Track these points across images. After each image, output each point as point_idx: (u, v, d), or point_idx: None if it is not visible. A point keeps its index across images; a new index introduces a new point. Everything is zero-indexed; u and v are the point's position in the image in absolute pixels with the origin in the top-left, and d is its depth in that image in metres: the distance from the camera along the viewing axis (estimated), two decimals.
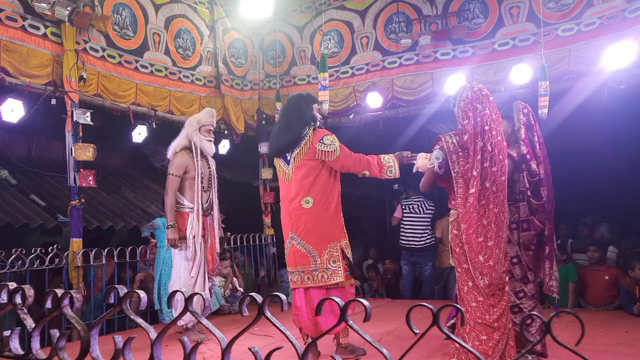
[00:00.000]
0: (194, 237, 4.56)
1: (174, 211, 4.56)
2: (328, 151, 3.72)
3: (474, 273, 3.15)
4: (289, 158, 3.82)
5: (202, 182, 4.67)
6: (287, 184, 3.83)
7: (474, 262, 3.13)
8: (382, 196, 9.34)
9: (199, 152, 4.64)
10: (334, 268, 3.73)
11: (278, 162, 3.92)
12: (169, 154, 4.72)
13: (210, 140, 4.75)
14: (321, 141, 3.73)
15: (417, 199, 6.93)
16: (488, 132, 3.15)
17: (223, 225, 5.14)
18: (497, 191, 3.14)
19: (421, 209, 6.88)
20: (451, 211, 3.36)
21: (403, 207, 6.97)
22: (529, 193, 3.39)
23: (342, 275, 3.74)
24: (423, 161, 3.57)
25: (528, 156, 3.40)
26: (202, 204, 4.63)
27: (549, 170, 3.53)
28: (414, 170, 3.67)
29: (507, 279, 3.24)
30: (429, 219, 6.86)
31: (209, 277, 4.72)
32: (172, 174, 4.59)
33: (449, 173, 3.29)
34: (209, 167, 4.78)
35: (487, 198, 3.12)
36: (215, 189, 4.84)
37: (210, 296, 4.73)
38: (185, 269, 4.56)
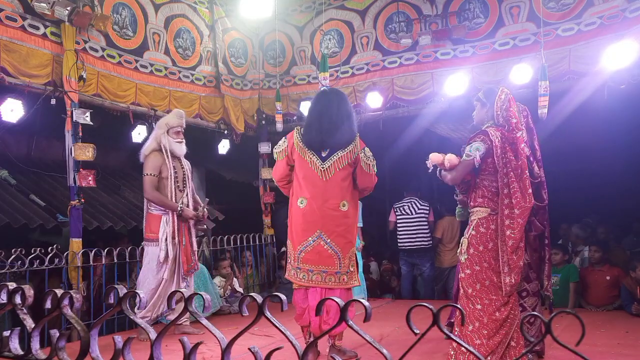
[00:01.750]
0: (166, 239, 4.57)
1: (167, 199, 4.60)
2: (368, 164, 3.80)
3: (503, 269, 3.19)
4: (324, 155, 3.77)
5: (177, 183, 4.71)
6: (322, 182, 3.75)
7: (510, 259, 3.19)
8: (382, 196, 9.35)
9: (169, 154, 4.67)
10: (352, 271, 3.81)
11: (308, 155, 3.79)
12: (142, 156, 4.74)
13: (179, 142, 4.76)
14: (364, 152, 3.80)
15: (408, 200, 6.97)
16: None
17: (206, 206, 5.05)
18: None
19: (412, 210, 6.90)
20: (477, 208, 3.35)
21: (395, 210, 7.04)
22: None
23: (358, 279, 3.87)
24: (451, 157, 3.44)
25: (531, 158, 3.41)
26: None
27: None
28: (430, 168, 3.54)
29: None
30: (422, 219, 6.85)
31: (183, 278, 4.70)
32: (149, 174, 4.61)
33: (479, 167, 3.29)
34: (183, 168, 4.81)
35: None
36: (190, 188, 4.86)
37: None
38: (154, 270, 4.57)
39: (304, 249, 3.80)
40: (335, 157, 3.76)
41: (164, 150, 4.67)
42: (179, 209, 4.61)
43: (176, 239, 4.62)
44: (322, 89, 4.35)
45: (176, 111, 4.96)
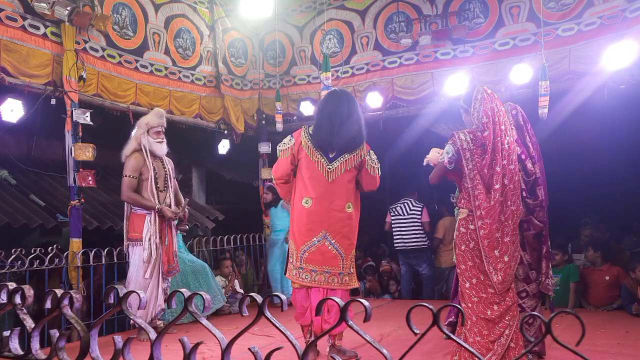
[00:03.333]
0: (149, 239, 4.55)
1: (144, 199, 4.57)
2: (374, 167, 3.88)
3: (488, 268, 3.21)
4: (331, 156, 3.79)
5: (157, 183, 4.68)
6: (328, 182, 3.77)
7: (490, 257, 3.20)
8: (381, 197, 9.34)
9: (149, 154, 4.64)
10: (353, 272, 3.86)
11: (315, 155, 3.79)
12: (123, 156, 4.71)
13: (160, 142, 4.72)
14: (370, 155, 3.87)
15: (403, 201, 7.02)
16: (504, 132, 3.27)
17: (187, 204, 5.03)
18: (513, 189, 3.24)
19: (405, 211, 6.93)
20: (460, 209, 3.40)
21: (390, 212, 7.10)
22: (524, 194, 3.40)
23: (357, 281, 3.92)
24: (434, 154, 3.56)
25: (523, 156, 3.41)
26: None
27: (543, 170, 3.53)
28: (424, 163, 3.64)
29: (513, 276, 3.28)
30: (415, 220, 6.87)
31: (164, 278, 4.70)
32: (128, 176, 4.58)
33: (459, 169, 3.31)
34: (164, 167, 4.79)
35: (505, 195, 3.21)
36: (172, 188, 4.84)
37: (165, 297, 4.66)
38: (140, 271, 4.56)
39: (308, 249, 3.80)
40: (342, 159, 3.79)
41: (144, 151, 4.63)
42: (157, 207, 4.58)
43: (158, 239, 4.60)
44: (332, 89, 4.32)
45: (157, 110, 4.92)
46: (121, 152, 4.79)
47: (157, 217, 4.60)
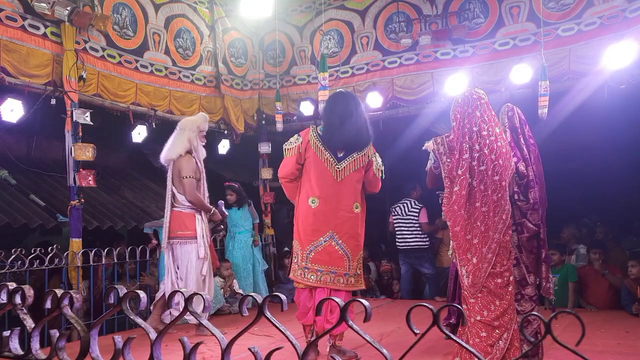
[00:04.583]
0: (203, 236, 4.66)
1: (204, 201, 4.74)
2: (379, 169, 3.92)
3: (460, 271, 3.25)
4: (340, 156, 3.80)
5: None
6: (336, 182, 3.78)
7: (461, 259, 3.23)
8: (382, 196, 9.34)
9: (199, 156, 4.77)
10: (360, 273, 3.85)
11: (324, 154, 3.79)
12: (172, 154, 4.69)
13: (203, 145, 4.89)
14: (375, 157, 3.92)
15: (402, 202, 7.04)
16: (477, 133, 3.26)
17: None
18: (484, 190, 3.20)
19: (404, 212, 6.96)
20: None
21: (391, 212, 7.14)
22: (517, 196, 3.38)
23: (364, 282, 3.93)
24: (432, 142, 3.57)
25: (515, 158, 3.39)
26: None
27: (541, 171, 3.49)
28: (423, 148, 3.65)
29: (511, 279, 3.24)
30: (414, 221, 6.88)
31: (213, 274, 4.86)
32: (191, 177, 4.65)
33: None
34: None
35: (474, 196, 3.20)
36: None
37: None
38: (197, 268, 4.63)
39: (314, 249, 3.78)
40: (351, 158, 3.80)
41: (194, 152, 4.74)
42: (212, 211, 4.78)
43: (209, 237, 4.79)
44: (337, 89, 4.35)
45: (204, 115, 5.04)
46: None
47: (204, 217, 4.73)
